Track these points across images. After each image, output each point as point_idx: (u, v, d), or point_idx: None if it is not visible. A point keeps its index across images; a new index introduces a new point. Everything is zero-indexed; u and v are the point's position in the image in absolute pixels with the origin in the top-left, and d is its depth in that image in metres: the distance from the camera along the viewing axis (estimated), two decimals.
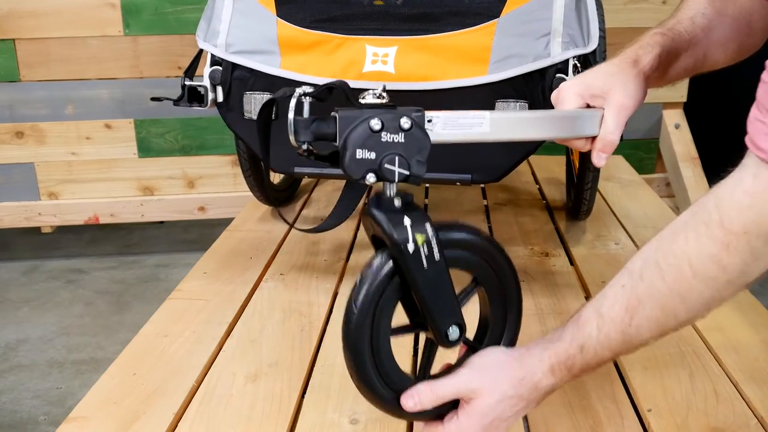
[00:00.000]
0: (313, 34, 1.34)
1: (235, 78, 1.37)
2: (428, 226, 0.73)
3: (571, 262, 1.52)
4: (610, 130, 0.86)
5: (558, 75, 1.27)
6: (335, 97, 0.77)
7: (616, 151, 2.71)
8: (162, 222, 2.60)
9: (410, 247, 0.72)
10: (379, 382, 0.76)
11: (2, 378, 1.73)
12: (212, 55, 1.38)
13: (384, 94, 0.74)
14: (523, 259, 1.53)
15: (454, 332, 0.76)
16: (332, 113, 0.73)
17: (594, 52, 1.30)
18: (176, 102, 1.40)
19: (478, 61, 1.29)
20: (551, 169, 2.20)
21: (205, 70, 1.38)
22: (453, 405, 0.78)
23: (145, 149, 2.40)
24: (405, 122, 0.72)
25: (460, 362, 0.80)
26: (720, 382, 1.05)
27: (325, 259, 1.54)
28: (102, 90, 2.34)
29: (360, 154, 0.72)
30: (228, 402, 1.02)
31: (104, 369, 1.11)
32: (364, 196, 0.81)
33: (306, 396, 1.04)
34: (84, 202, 2.42)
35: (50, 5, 2.24)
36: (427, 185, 2.06)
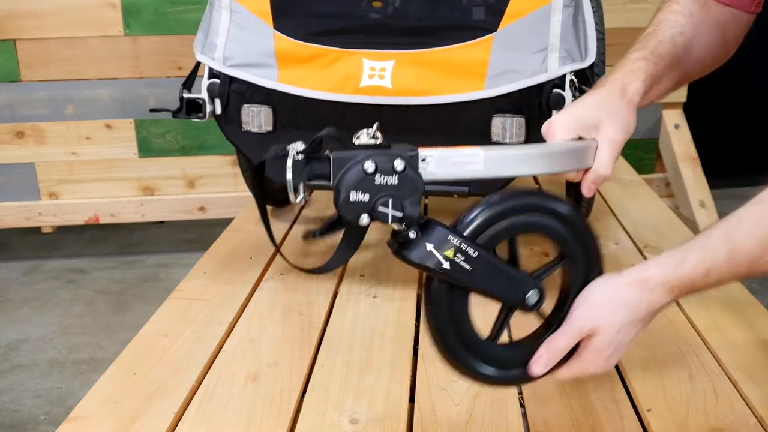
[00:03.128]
0: (310, 47, 1.34)
1: (233, 91, 1.38)
2: (450, 236, 0.74)
3: None
4: (604, 164, 0.87)
5: (555, 90, 1.27)
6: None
7: None
8: (162, 222, 2.60)
9: (446, 266, 0.74)
10: (482, 363, 0.80)
11: (3, 378, 1.73)
12: (210, 68, 1.39)
13: (378, 134, 0.76)
14: (523, 259, 1.53)
15: (532, 298, 0.79)
16: (327, 153, 0.75)
17: (591, 66, 1.30)
18: (175, 114, 1.41)
19: (475, 75, 1.29)
20: None
21: (203, 82, 1.39)
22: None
23: (146, 149, 2.40)
24: (398, 164, 0.73)
25: (535, 338, 0.82)
26: (719, 381, 1.05)
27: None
28: (102, 90, 2.34)
29: (354, 196, 0.73)
30: (228, 402, 1.02)
31: (104, 369, 1.11)
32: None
33: (306, 396, 1.04)
34: (84, 202, 2.42)
35: (51, 5, 2.24)
36: None
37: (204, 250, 1.60)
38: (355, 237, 0.81)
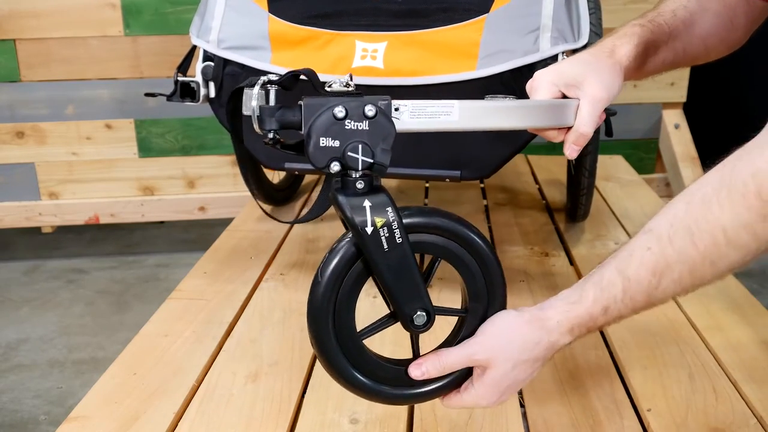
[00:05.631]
0: (304, 29, 1.34)
1: (227, 73, 1.38)
2: (390, 209, 0.73)
3: (571, 262, 1.52)
4: (585, 122, 0.85)
5: None
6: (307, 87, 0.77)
7: (616, 151, 2.70)
8: (162, 222, 2.60)
9: (368, 229, 0.73)
10: (350, 366, 0.78)
11: (3, 377, 1.73)
12: (204, 51, 1.40)
13: (351, 83, 0.75)
14: (523, 259, 1.53)
15: (420, 318, 0.77)
16: (299, 102, 0.74)
17: (585, 47, 1.30)
18: (169, 97, 1.41)
19: (467, 56, 1.29)
20: (551, 170, 2.20)
21: (198, 65, 1.40)
22: (464, 374, 0.79)
23: (146, 149, 2.40)
24: (369, 110, 0.72)
25: (453, 337, 0.80)
26: (719, 381, 1.05)
27: None
28: (102, 90, 2.34)
29: (324, 142, 0.72)
30: (228, 402, 1.02)
31: (105, 369, 1.11)
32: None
33: (306, 396, 1.04)
34: (84, 202, 2.42)
35: (51, 5, 2.24)
36: (427, 185, 2.06)
37: (204, 250, 1.60)
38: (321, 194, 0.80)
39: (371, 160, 0.73)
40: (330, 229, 1.70)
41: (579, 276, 1.45)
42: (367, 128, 0.73)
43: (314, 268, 1.52)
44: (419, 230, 0.76)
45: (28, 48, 2.28)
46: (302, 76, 0.77)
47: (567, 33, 1.28)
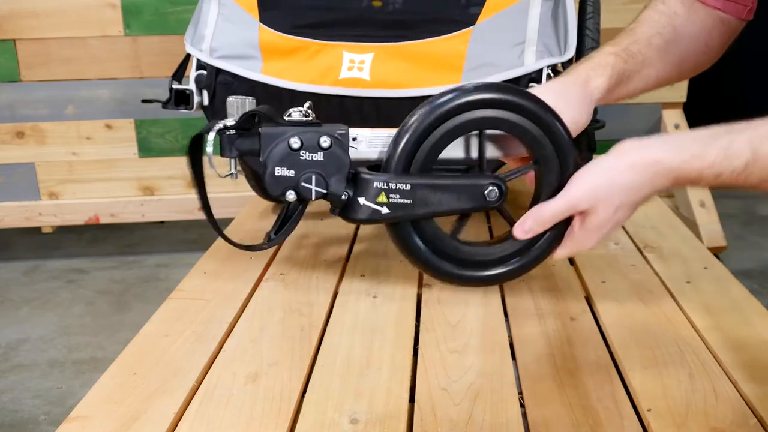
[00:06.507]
0: (294, 39, 1.35)
1: (219, 82, 1.40)
2: (376, 183, 0.75)
3: (571, 262, 1.52)
4: None
5: (531, 84, 1.27)
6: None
7: None
8: (162, 222, 2.60)
9: (385, 211, 0.75)
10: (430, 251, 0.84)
11: (3, 378, 1.73)
12: (198, 60, 1.41)
13: (310, 112, 0.76)
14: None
15: (492, 193, 0.80)
16: (259, 129, 0.75)
17: (571, 60, 1.30)
18: (164, 105, 1.43)
19: (453, 69, 1.29)
20: None
21: (191, 73, 1.42)
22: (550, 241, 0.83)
23: (146, 149, 2.40)
24: (324, 141, 0.74)
25: (536, 200, 0.82)
26: (719, 381, 1.05)
27: (325, 258, 1.54)
28: (102, 90, 2.35)
29: (279, 171, 0.75)
30: (228, 402, 1.02)
31: (105, 369, 1.11)
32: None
33: (306, 396, 1.04)
34: (84, 202, 2.42)
35: (51, 5, 2.24)
36: None
37: (204, 250, 1.60)
38: (296, 215, 0.81)
39: (324, 191, 0.74)
40: (329, 227, 1.70)
41: (579, 276, 1.44)
42: (322, 159, 0.75)
43: (315, 268, 1.52)
44: (458, 113, 0.78)
45: (28, 48, 2.28)
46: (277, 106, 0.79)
47: (552, 47, 1.28)
